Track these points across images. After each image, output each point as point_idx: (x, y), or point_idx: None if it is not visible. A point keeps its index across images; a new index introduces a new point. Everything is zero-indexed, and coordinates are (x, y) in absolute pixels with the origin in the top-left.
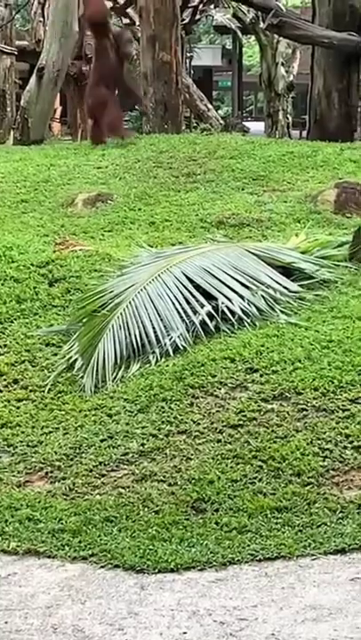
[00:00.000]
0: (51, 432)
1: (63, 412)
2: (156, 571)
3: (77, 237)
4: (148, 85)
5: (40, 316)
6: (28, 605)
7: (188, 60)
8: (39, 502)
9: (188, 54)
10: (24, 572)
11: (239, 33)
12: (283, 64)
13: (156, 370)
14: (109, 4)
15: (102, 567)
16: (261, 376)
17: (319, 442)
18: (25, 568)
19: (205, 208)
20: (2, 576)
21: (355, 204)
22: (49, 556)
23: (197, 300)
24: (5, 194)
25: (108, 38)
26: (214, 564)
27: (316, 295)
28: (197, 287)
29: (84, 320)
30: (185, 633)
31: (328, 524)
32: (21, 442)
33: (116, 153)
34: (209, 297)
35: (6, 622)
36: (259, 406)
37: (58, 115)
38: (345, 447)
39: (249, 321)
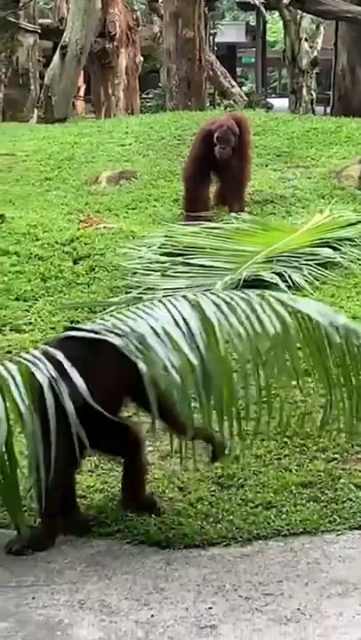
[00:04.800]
0: None
1: None
2: (182, 547)
3: (101, 215)
4: (171, 62)
5: (65, 294)
6: (55, 581)
7: (211, 37)
8: None
9: (212, 31)
10: (51, 548)
11: (263, 9)
12: (306, 40)
13: None
14: None
15: (128, 543)
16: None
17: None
18: None
19: None
20: (28, 552)
21: None
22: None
23: None
24: (29, 172)
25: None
26: (240, 539)
27: (340, 271)
28: None
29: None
30: (210, 608)
31: (353, 499)
32: None
33: (140, 130)
34: None
35: (33, 598)
36: (283, 383)
37: (81, 93)
38: None
39: None
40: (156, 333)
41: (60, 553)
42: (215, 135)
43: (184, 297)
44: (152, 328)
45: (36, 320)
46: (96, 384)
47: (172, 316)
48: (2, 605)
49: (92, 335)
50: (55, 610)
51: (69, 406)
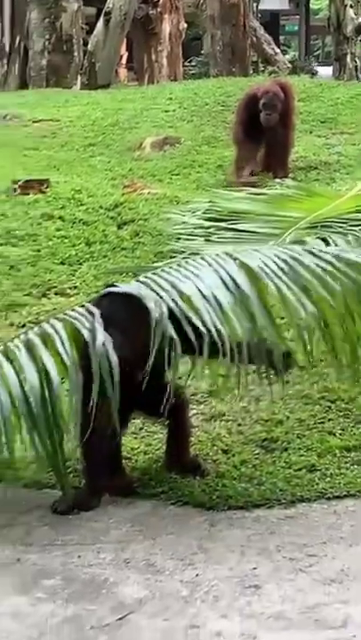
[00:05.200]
0: None
1: None
2: (226, 508)
3: (145, 180)
4: (215, 28)
5: (109, 259)
6: (101, 540)
7: (255, 4)
8: None
9: None
10: (96, 509)
11: None
12: (352, 6)
13: None
14: None
15: (172, 504)
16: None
17: None
18: None
19: None
20: (74, 512)
21: None
22: None
23: None
24: (73, 137)
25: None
26: (283, 501)
27: None
28: None
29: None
30: (255, 569)
31: None
32: None
33: (184, 96)
34: None
35: (79, 556)
36: (327, 348)
37: (124, 60)
38: None
39: None
40: (204, 296)
41: (106, 513)
42: (261, 102)
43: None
44: (198, 289)
45: (80, 284)
46: (135, 342)
47: (221, 278)
48: (48, 563)
49: (130, 292)
50: (101, 568)
51: (114, 359)
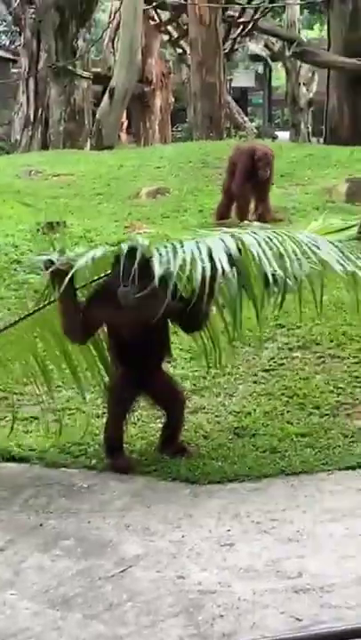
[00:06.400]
0: None
1: None
2: (206, 482)
3: (142, 222)
4: (196, 102)
5: None
6: (106, 508)
7: (228, 82)
8: None
9: (229, 77)
10: (102, 484)
11: (269, 60)
12: (304, 84)
13: None
14: (165, 37)
15: (163, 480)
16: (288, 330)
17: (334, 382)
18: (103, 480)
19: None
20: (85, 486)
21: None
22: None
23: None
24: (84, 188)
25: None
26: (252, 477)
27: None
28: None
29: None
30: (229, 530)
31: (341, 446)
32: (98, 383)
33: (171, 156)
34: None
35: (89, 522)
36: (286, 354)
37: (125, 127)
38: (355, 386)
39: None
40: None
41: (110, 487)
42: (261, 160)
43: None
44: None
45: None
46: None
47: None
48: (65, 527)
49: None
50: (106, 531)
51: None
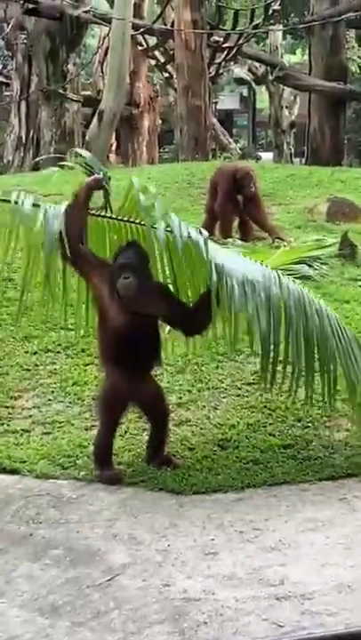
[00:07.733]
0: None
1: None
2: (191, 492)
3: None
4: (183, 124)
5: None
6: (94, 519)
7: (213, 105)
8: None
9: (214, 100)
10: (91, 494)
11: (253, 83)
12: (287, 107)
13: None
14: (152, 62)
15: (150, 490)
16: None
17: (315, 396)
18: (91, 491)
19: None
20: (74, 497)
21: (342, 214)
22: None
23: None
24: None
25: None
26: (235, 487)
27: (313, 283)
28: None
29: None
30: (213, 539)
31: (322, 457)
32: (88, 396)
33: (158, 176)
34: None
35: (78, 532)
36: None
37: (114, 148)
38: (335, 400)
39: None
40: None
41: (98, 498)
42: (244, 178)
43: None
44: None
45: (78, 320)
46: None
47: None
48: (54, 537)
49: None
50: (94, 541)
51: None
